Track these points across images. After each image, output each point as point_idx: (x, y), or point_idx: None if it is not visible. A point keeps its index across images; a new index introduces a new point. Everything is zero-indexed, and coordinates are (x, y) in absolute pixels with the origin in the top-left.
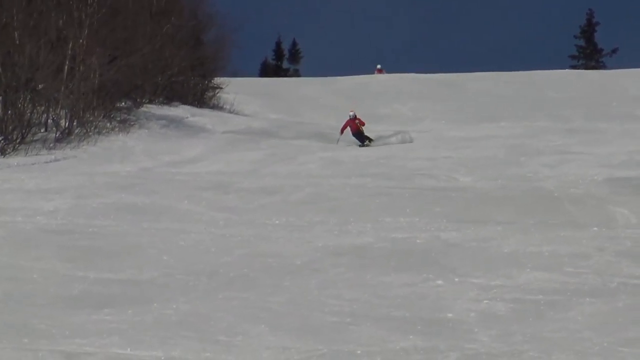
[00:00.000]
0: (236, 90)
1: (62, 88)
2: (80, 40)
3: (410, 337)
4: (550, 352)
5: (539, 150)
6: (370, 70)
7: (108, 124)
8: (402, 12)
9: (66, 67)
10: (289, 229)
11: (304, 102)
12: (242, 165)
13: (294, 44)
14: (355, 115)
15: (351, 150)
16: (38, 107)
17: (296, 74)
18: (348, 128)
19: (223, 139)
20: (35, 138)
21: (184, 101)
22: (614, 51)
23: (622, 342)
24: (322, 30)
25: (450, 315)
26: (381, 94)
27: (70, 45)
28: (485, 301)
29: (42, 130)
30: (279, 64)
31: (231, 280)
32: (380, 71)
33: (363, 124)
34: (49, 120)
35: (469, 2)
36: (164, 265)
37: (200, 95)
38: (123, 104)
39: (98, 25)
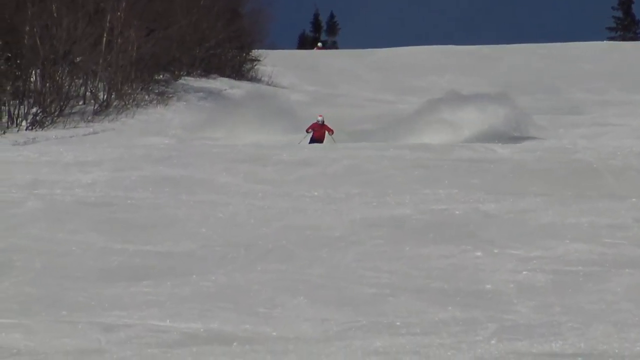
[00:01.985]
0: (274, 62)
1: (100, 61)
2: (118, 13)
3: (449, 308)
4: (588, 323)
5: (576, 122)
6: (406, 43)
7: (146, 97)
8: None
9: (104, 39)
10: (326, 201)
11: (341, 75)
12: (279, 137)
13: (332, 16)
14: (324, 121)
15: None
16: (76, 80)
17: (334, 46)
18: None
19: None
20: (73, 111)
21: (222, 73)
22: None
23: None
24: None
25: (488, 286)
26: (417, 66)
27: (108, 17)
28: (524, 272)
29: (80, 103)
30: (317, 36)
31: (269, 252)
32: (319, 48)
33: (331, 132)
34: (87, 93)
35: None
36: (201, 238)
37: (238, 68)
38: (161, 76)
39: None
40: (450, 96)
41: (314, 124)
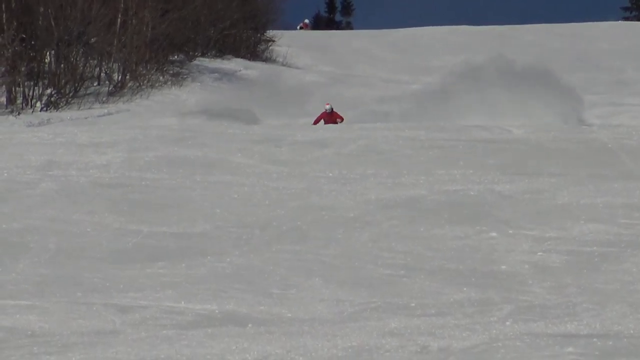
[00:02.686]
0: (289, 43)
1: (115, 41)
2: None
3: (464, 289)
4: (604, 304)
5: (592, 102)
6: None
7: (161, 78)
8: None
9: (119, 20)
10: (341, 181)
11: (356, 55)
12: (294, 117)
13: None
14: (332, 109)
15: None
16: (91, 61)
17: (348, 26)
18: (322, 122)
19: (276, 91)
20: (88, 92)
21: (237, 54)
22: None
23: None
24: None
25: (504, 267)
26: (433, 46)
27: None
28: (539, 253)
29: (94, 84)
30: (332, 16)
31: (284, 233)
32: (306, 25)
33: (341, 119)
34: (101, 74)
35: None
36: (216, 218)
37: (252, 48)
38: (175, 57)
39: None
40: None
41: (322, 113)
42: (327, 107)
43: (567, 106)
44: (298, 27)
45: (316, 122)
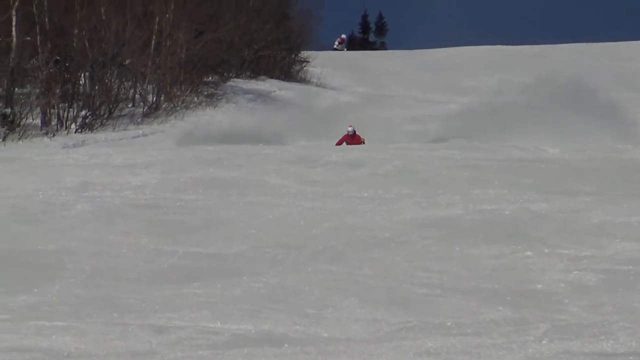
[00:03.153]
0: (323, 63)
1: (149, 63)
2: (167, 15)
3: (500, 308)
4: None
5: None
6: (457, 43)
7: (195, 99)
8: None
9: (153, 42)
10: (376, 201)
11: (390, 75)
12: (328, 138)
13: (380, 17)
14: (355, 132)
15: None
16: (125, 83)
17: (382, 47)
18: (344, 144)
19: (311, 112)
20: (122, 113)
21: (271, 75)
22: None
23: None
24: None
25: (539, 286)
26: (467, 66)
27: (157, 20)
28: (575, 272)
29: (129, 105)
30: (366, 37)
31: (319, 253)
32: (342, 41)
33: (363, 142)
34: (136, 95)
35: None
36: (252, 239)
37: (287, 69)
38: (210, 78)
39: (184, 0)
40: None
41: (344, 136)
42: (350, 129)
43: (618, 126)
44: (336, 43)
45: (339, 144)
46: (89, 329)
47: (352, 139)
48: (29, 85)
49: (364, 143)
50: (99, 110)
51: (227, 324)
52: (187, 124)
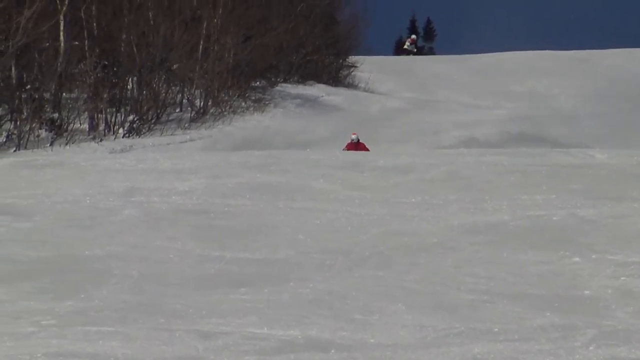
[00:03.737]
0: (370, 68)
1: (197, 68)
2: (215, 20)
3: (547, 314)
4: None
5: None
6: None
7: (243, 104)
8: None
9: (200, 46)
10: (423, 207)
11: (438, 80)
12: (376, 143)
13: (429, 22)
14: (359, 139)
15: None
16: (173, 87)
17: (431, 52)
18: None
19: (358, 117)
20: (170, 118)
21: (319, 80)
22: None
23: None
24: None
25: (587, 292)
26: (515, 71)
27: (205, 24)
28: (623, 278)
29: (177, 110)
30: None
31: (366, 258)
32: (413, 41)
33: (367, 151)
34: (183, 100)
35: None
36: (299, 244)
37: (334, 74)
38: (258, 83)
39: (232, 5)
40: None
41: (349, 143)
42: (354, 137)
43: None
44: (407, 43)
45: (344, 150)
46: (136, 334)
47: (356, 147)
48: (76, 90)
49: (368, 150)
50: (146, 115)
51: (274, 329)
52: (235, 129)
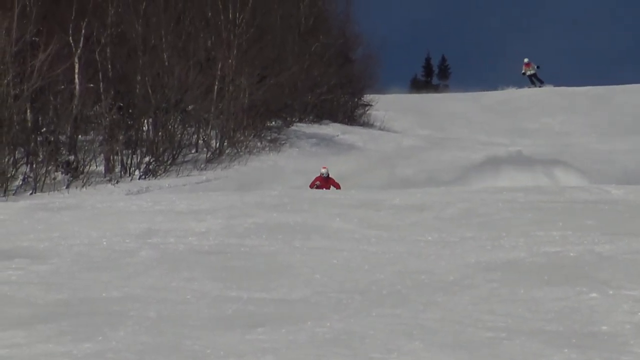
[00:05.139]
0: (386, 107)
1: (212, 108)
2: (229, 61)
3: (565, 350)
4: None
5: None
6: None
7: (259, 144)
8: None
9: (215, 87)
10: (440, 245)
11: (452, 118)
12: (392, 182)
13: (443, 59)
14: (329, 174)
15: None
16: (188, 128)
17: (445, 89)
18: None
19: (374, 156)
20: (186, 159)
21: (334, 119)
22: None
23: None
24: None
25: (604, 328)
26: (529, 108)
27: (219, 65)
28: None
29: (192, 151)
30: (429, 80)
31: (384, 297)
32: (528, 65)
33: (337, 187)
34: (199, 141)
35: (615, 5)
36: (316, 284)
37: (350, 113)
38: (273, 123)
39: (246, 45)
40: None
41: (317, 177)
42: (323, 170)
43: None
44: (524, 68)
45: (311, 185)
46: None
47: (326, 181)
48: (92, 132)
49: (338, 188)
50: (162, 157)
51: None
52: (250, 169)
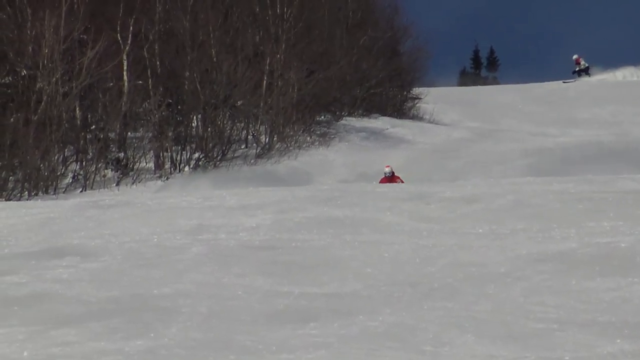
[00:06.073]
0: (435, 100)
1: (261, 104)
2: (278, 56)
3: (617, 341)
4: None
5: None
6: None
7: (308, 138)
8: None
9: (264, 82)
10: (491, 237)
11: (502, 110)
12: (442, 174)
13: (492, 51)
14: (393, 173)
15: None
16: (237, 124)
17: (494, 81)
18: None
19: (424, 149)
20: (235, 155)
21: (383, 113)
22: None
23: None
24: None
25: None
26: (579, 98)
27: (268, 60)
28: None
29: (242, 147)
30: (478, 72)
31: (435, 290)
32: (578, 60)
33: (402, 182)
34: (248, 137)
35: None
36: (367, 277)
37: (399, 106)
38: (322, 117)
39: (295, 39)
40: None
41: (382, 179)
42: (387, 169)
43: None
44: (574, 66)
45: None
46: None
47: (390, 180)
48: (141, 129)
49: (402, 182)
50: (211, 152)
51: None
52: (300, 163)
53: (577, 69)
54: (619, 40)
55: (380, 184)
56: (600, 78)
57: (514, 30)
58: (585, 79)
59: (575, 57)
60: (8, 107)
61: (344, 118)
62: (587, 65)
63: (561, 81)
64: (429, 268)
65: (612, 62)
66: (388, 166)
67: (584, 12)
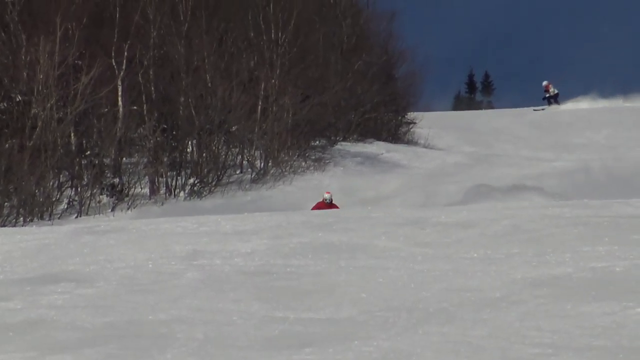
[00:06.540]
0: (430, 124)
1: (256, 129)
2: (272, 81)
3: None
4: None
5: None
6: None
7: (303, 163)
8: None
9: (259, 107)
10: (486, 262)
11: (497, 134)
12: (438, 199)
13: (486, 76)
14: (332, 200)
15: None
16: (232, 149)
17: (489, 105)
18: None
19: (419, 174)
20: (230, 180)
21: (378, 137)
22: None
23: None
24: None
25: None
26: (573, 123)
27: (262, 85)
28: None
29: (237, 172)
30: (472, 96)
31: (430, 315)
32: (547, 87)
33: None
34: (243, 162)
35: None
36: (362, 303)
37: (394, 131)
38: (317, 142)
39: (289, 64)
40: None
41: (319, 203)
42: (327, 196)
43: None
44: (543, 93)
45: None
46: None
47: (329, 207)
48: (136, 155)
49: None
50: (206, 178)
51: None
52: (295, 188)
53: (546, 95)
54: (613, 65)
55: (313, 210)
56: (566, 109)
57: (509, 55)
58: (554, 107)
59: (545, 83)
60: (3, 133)
61: (339, 143)
62: (556, 91)
63: (532, 108)
64: (425, 293)
65: (605, 87)
66: (329, 192)
67: (580, 36)
